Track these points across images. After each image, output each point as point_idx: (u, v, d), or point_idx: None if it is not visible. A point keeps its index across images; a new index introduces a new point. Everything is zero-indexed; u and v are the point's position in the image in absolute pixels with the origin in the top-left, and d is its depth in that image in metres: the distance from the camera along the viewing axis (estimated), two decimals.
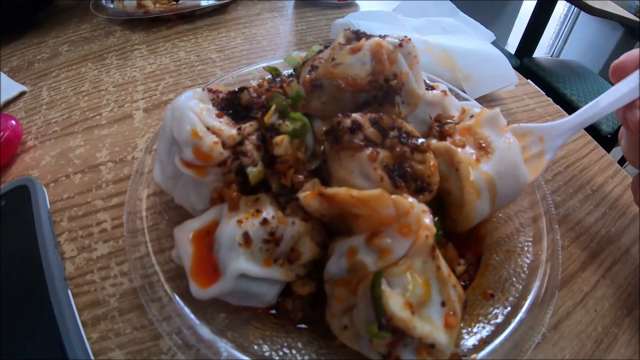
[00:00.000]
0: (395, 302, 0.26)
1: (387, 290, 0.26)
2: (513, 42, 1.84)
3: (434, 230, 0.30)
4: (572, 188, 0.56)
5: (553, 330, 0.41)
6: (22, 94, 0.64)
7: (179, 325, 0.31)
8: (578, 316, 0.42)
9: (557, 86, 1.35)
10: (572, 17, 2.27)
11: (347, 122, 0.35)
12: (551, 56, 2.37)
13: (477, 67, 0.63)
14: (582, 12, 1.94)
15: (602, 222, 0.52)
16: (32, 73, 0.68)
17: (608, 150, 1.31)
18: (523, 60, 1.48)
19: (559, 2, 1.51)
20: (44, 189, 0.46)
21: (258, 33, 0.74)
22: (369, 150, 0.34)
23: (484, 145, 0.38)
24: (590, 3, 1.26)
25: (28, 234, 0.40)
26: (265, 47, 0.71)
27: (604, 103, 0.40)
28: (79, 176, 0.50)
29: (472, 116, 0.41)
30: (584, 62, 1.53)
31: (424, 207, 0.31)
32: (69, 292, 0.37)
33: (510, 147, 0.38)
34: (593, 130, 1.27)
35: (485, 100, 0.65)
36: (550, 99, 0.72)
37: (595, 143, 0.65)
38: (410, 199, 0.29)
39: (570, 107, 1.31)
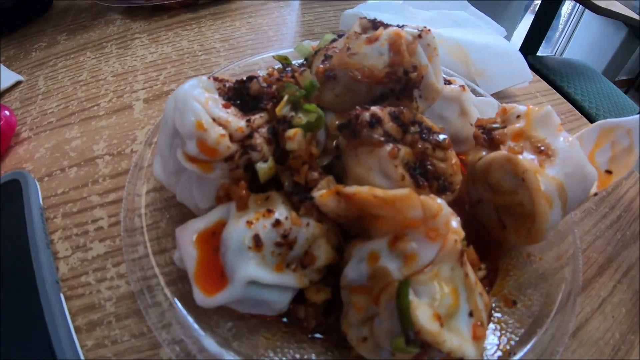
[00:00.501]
0: (423, 313, 0.23)
1: (415, 301, 0.23)
2: (517, 41, 1.81)
3: (463, 234, 0.27)
4: None
5: (572, 338, 0.38)
6: (17, 83, 0.59)
7: (180, 335, 0.28)
8: (596, 323, 0.40)
9: (561, 85, 1.32)
10: (576, 16, 2.23)
11: (366, 115, 0.31)
12: (554, 55, 2.34)
13: (490, 62, 0.60)
14: (586, 10, 1.90)
15: (617, 225, 0.50)
16: (28, 62, 0.64)
17: None
18: (527, 57, 1.44)
19: (565, 0, 1.47)
20: (37, 184, 0.42)
21: (264, 23, 0.70)
22: (389, 147, 0.30)
23: (543, 148, 0.34)
24: (596, 2, 1.23)
25: (19, 232, 0.37)
26: (271, 37, 0.67)
27: None
28: (75, 170, 0.46)
29: (518, 116, 0.37)
30: (588, 62, 1.50)
31: (450, 209, 0.28)
32: (62, 295, 0.34)
33: (572, 146, 0.34)
34: None
35: (499, 97, 0.62)
36: (562, 97, 0.69)
37: None
38: (439, 200, 0.26)
39: (575, 106, 1.28)
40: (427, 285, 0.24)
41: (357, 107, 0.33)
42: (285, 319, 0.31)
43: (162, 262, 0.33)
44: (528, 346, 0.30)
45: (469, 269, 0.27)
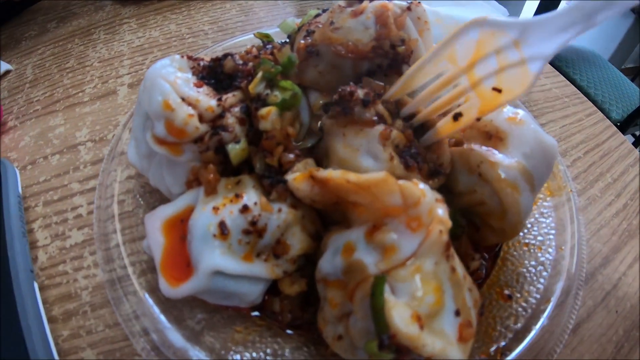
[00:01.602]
0: (400, 314, 0.20)
1: (391, 300, 0.20)
2: None
3: (449, 224, 0.23)
4: (592, 176, 0.48)
5: (572, 334, 0.34)
6: (7, 72, 0.57)
7: (147, 327, 0.25)
8: (599, 318, 0.36)
9: (567, 71, 1.23)
10: None
11: (360, 93, 0.27)
12: None
13: None
14: None
15: (623, 214, 0.45)
16: (19, 51, 0.61)
17: None
18: None
19: None
20: (17, 173, 0.39)
21: (255, 4, 0.65)
22: (381, 127, 0.27)
23: (491, 133, 0.30)
24: None
25: None
26: (262, 19, 0.62)
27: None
28: (57, 157, 0.43)
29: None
30: (594, 48, 1.40)
31: (437, 195, 0.24)
32: (35, 285, 0.32)
33: (522, 121, 0.30)
34: None
35: None
36: (566, 79, 0.63)
37: (615, 128, 0.57)
38: (422, 185, 0.22)
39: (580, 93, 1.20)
40: (407, 281, 0.21)
41: (350, 82, 0.29)
42: (258, 313, 0.28)
43: (136, 250, 0.31)
44: (523, 344, 0.27)
45: (457, 262, 0.23)
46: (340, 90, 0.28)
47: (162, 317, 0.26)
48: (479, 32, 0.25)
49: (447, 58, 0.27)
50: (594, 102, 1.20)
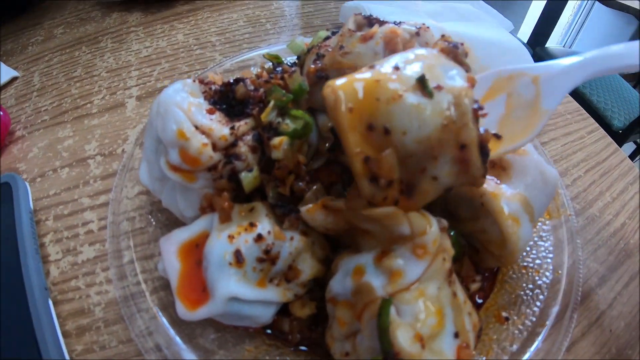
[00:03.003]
0: (404, 334, 0.22)
1: (396, 321, 0.22)
2: (526, 31, 1.72)
3: (452, 252, 0.25)
4: (592, 195, 0.50)
5: (566, 353, 0.36)
6: (14, 79, 0.58)
7: (162, 345, 0.27)
8: (592, 337, 0.38)
9: None
10: (586, 8, 2.11)
11: None
12: (563, 47, 2.23)
13: (495, 59, 0.55)
14: (596, 3, 1.79)
15: (621, 234, 0.47)
16: (25, 57, 0.62)
17: (619, 146, 1.23)
18: (535, 49, 1.38)
19: None
20: (28, 188, 0.41)
21: (262, 15, 0.66)
22: None
23: (495, 161, 0.31)
24: None
25: (8, 238, 0.36)
26: (268, 31, 0.63)
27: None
28: (67, 170, 0.45)
29: None
30: None
31: (444, 222, 0.25)
32: (50, 302, 0.33)
33: (524, 150, 0.31)
34: (604, 125, 1.19)
35: None
36: (569, 95, 0.65)
37: (616, 145, 0.59)
38: (430, 216, 0.24)
39: (582, 101, 1.22)
40: (411, 304, 0.23)
41: None
42: (269, 331, 0.30)
43: (149, 268, 0.32)
44: None
45: (458, 287, 0.25)
46: None
47: (178, 339, 0.27)
48: (494, 79, 0.26)
49: None
50: (596, 109, 1.22)
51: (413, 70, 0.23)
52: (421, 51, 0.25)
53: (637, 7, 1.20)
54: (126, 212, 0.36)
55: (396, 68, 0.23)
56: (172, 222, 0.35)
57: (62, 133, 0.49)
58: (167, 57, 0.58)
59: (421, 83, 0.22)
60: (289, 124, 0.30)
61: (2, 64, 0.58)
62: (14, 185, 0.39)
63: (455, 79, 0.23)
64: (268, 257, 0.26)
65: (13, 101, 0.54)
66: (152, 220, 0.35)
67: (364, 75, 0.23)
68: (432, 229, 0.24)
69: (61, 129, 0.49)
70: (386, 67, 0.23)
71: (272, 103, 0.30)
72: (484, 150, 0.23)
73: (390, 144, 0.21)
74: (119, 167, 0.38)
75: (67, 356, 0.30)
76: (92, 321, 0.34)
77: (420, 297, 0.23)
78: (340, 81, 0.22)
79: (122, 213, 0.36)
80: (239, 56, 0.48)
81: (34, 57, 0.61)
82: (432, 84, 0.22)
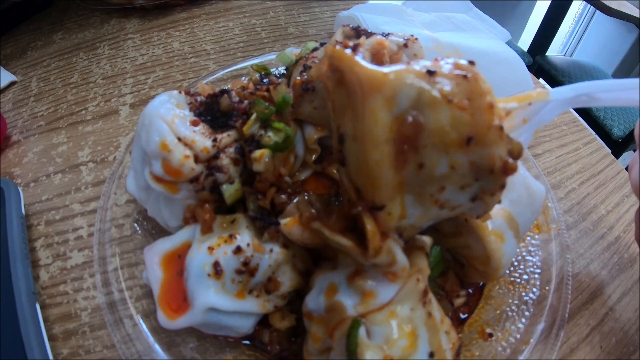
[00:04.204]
0: (372, 356, 0.22)
1: (365, 342, 0.22)
2: (526, 39, 1.72)
3: (427, 272, 0.25)
4: (586, 208, 0.50)
5: None
6: (12, 84, 0.59)
7: (141, 353, 0.28)
8: (582, 354, 0.38)
9: None
10: (587, 17, 2.10)
11: None
12: (564, 55, 2.22)
13: (490, 69, 0.56)
14: (597, 11, 1.79)
15: (615, 247, 0.47)
16: (24, 62, 0.63)
17: (618, 154, 1.22)
18: (536, 58, 1.37)
19: (574, 0, 1.38)
20: (20, 193, 0.42)
21: (257, 24, 0.68)
22: None
23: None
24: (607, 3, 1.15)
25: None
26: (263, 40, 0.64)
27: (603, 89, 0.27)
28: (59, 176, 0.46)
29: None
30: (597, 63, 1.41)
31: (423, 241, 0.26)
32: (37, 306, 0.34)
33: None
34: (603, 133, 1.18)
35: None
36: None
37: (613, 157, 0.58)
38: (396, 252, 0.23)
39: (582, 109, 1.21)
40: (383, 325, 0.23)
41: None
42: (247, 342, 0.30)
43: (133, 275, 0.33)
44: None
45: (434, 307, 0.25)
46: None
47: (157, 346, 0.28)
48: None
49: None
50: (596, 118, 1.21)
51: None
52: None
53: (638, 16, 1.19)
54: (115, 219, 0.37)
55: None
56: (158, 230, 0.36)
57: (56, 139, 0.50)
58: (162, 65, 0.59)
59: None
60: (270, 137, 0.30)
61: (2, 68, 0.60)
62: (7, 190, 0.41)
63: None
64: (247, 269, 0.27)
65: (10, 106, 0.56)
66: (139, 228, 0.36)
67: None
68: (397, 264, 0.23)
69: (56, 135, 0.50)
70: None
71: (254, 116, 0.30)
72: None
73: None
74: (109, 173, 0.39)
75: (51, 357, 0.31)
76: (78, 326, 0.34)
77: (392, 318, 0.23)
78: None
79: (110, 220, 0.36)
80: (230, 68, 0.49)
81: (33, 62, 0.63)
82: None
